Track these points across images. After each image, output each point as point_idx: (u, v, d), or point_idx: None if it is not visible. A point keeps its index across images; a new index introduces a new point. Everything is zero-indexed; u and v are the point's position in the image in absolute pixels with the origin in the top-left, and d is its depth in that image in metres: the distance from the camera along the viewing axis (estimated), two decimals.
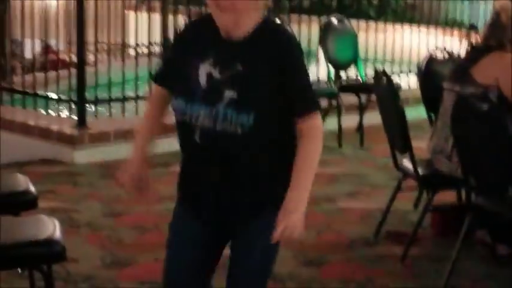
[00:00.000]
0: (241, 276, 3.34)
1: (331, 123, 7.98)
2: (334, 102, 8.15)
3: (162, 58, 3.23)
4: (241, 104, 2.99)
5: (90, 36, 7.50)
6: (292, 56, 3.20)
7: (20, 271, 4.29)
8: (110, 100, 7.62)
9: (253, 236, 3.22)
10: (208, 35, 3.14)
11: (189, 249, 3.37)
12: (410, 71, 9.02)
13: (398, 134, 5.34)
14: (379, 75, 5.63)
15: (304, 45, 8.35)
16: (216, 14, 3.03)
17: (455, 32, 10.30)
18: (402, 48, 9.62)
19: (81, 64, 7.23)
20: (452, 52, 6.12)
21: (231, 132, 3.01)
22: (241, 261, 3.31)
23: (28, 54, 10.12)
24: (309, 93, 3.21)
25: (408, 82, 8.96)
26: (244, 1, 3.03)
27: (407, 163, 5.31)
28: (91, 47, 7.85)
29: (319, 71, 8.78)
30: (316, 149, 3.10)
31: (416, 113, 6.24)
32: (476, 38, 5.42)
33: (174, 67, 3.27)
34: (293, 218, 3.01)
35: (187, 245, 3.38)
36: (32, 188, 4.42)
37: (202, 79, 3.08)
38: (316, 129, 3.10)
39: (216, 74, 3.05)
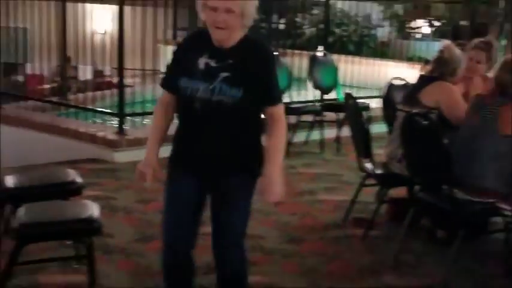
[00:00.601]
0: (227, 217, 3.45)
1: (316, 134, 8.13)
2: (318, 118, 8.08)
3: (167, 68, 3.29)
4: (233, 80, 3.26)
5: (128, 64, 7.58)
6: (267, 61, 3.45)
7: (67, 243, 4.42)
8: (143, 114, 7.69)
9: (231, 185, 3.39)
10: (204, 42, 3.34)
11: (183, 200, 3.49)
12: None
13: (361, 143, 5.43)
14: (348, 97, 5.73)
15: (296, 73, 8.54)
16: (213, 30, 3.24)
17: (416, 65, 10.35)
18: (374, 77, 9.61)
19: (121, 85, 7.33)
20: (406, 80, 6.16)
21: (225, 102, 3.25)
22: (222, 204, 3.43)
23: (81, 77, 10.09)
24: (276, 90, 3.48)
25: (377, 104, 9.01)
26: (233, 24, 3.21)
27: (369, 165, 5.39)
28: (129, 73, 7.86)
29: (307, 93, 8.68)
30: (283, 133, 3.40)
31: (381, 127, 6.31)
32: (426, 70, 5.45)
33: (177, 67, 3.47)
34: (274, 188, 3.26)
35: (183, 196, 3.49)
36: (78, 179, 4.58)
37: (201, 66, 3.31)
38: (281, 115, 3.40)
39: (212, 63, 3.32)
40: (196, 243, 3.50)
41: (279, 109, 3.38)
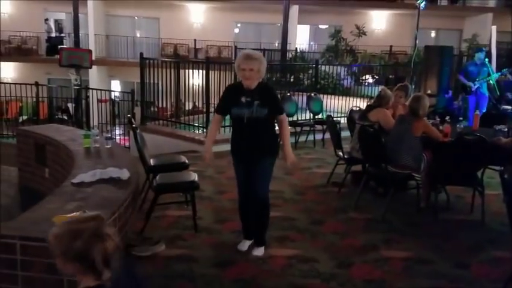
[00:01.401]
0: (257, 176, 3.48)
1: (310, 137, 7.99)
2: (312, 128, 7.99)
3: (219, 101, 3.46)
4: (262, 106, 3.36)
5: (211, 100, 7.61)
6: (273, 93, 3.58)
7: (181, 194, 4.45)
8: None
9: (261, 161, 3.45)
10: (240, 88, 3.42)
11: (242, 172, 3.57)
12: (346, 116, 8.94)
13: (336, 142, 5.43)
14: (329, 117, 5.75)
15: (299, 105, 8.48)
16: (243, 80, 3.37)
17: (365, 100, 10.21)
18: (342, 106, 9.56)
19: (207, 112, 7.37)
20: (359, 107, 6.14)
21: (259, 117, 3.36)
22: (258, 170, 3.46)
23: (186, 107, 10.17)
24: (281, 106, 3.58)
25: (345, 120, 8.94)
26: (255, 78, 3.35)
27: (340, 153, 5.35)
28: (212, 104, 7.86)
29: (306, 115, 8.57)
30: (288, 128, 3.52)
31: (346, 133, 6.28)
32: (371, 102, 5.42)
33: (226, 101, 3.52)
34: (291, 157, 3.45)
35: (240, 170, 3.58)
36: (186, 160, 4.66)
37: (243, 101, 3.38)
38: (285, 120, 3.50)
39: (248, 99, 3.39)
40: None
41: (284, 116, 3.51)
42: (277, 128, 3.55)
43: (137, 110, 8.60)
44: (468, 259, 3.64)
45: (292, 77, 12.10)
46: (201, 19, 19.23)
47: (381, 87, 5.52)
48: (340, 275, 3.30)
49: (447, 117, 4.97)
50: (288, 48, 17.24)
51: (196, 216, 4.09)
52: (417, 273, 3.39)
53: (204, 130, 7.41)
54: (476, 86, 8.65)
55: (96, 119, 9.08)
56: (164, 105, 8.36)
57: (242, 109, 3.37)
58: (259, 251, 3.62)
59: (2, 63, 18.02)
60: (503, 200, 2.94)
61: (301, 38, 19.99)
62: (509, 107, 8.79)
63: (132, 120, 4.51)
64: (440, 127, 4.94)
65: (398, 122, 4.70)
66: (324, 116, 8.08)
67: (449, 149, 4.41)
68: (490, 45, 10.45)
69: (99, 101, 9.54)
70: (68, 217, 2.86)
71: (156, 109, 9.11)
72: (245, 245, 3.69)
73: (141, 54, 8.24)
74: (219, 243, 3.79)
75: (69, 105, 14.45)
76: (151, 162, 4.44)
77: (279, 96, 4.26)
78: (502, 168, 4.30)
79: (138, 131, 4.03)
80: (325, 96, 9.81)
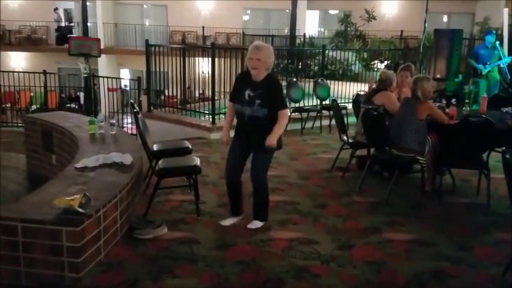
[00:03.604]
0: (256, 163, 3.60)
1: (317, 123, 7.97)
2: (318, 114, 7.98)
3: (232, 90, 3.54)
4: (262, 106, 3.47)
5: (217, 88, 7.61)
6: (278, 87, 3.63)
7: (185, 178, 4.46)
8: (224, 113, 7.69)
9: (260, 151, 3.56)
10: (247, 78, 3.55)
11: (236, 158, 3.69)
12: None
13: (340, 126, 5.40)
14: (334, 101, 5.71)
15: (307, 91, 8.44)
16: (251, 69, 3.48)
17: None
18: (350, 91, 9.48)
19: (213, 99, 7.38)
20: (366, 92, 6.10)
21: (258, 116, 3.48)
22: (256, 159, 3.60)
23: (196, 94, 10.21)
24: (283, 103, 3.63)
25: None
26: (261, 68, 3.45)
27: (345, 138, 5.34)
28: (217, 93, 7.86)
29: (313, 101, 8.52)
30: (284, 121, 3.53)
31: (353, 118, 6.25)
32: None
33: (236, 92, 3.66)
34: (271, 139, 3.45)
35: (235, 156, 3.69)
36: (189, 146, 4.69)
37: (246, 97, 3.52)
38: (285, 115, 3.54)
39: (251, 94, 3.52)
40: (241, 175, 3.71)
41: (285, 112, 3.55)
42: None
43: (144, 98, 8.63)
44: (472, 241, 3.63)
45: (300, 63, 12.04)
46: (209, 6, 19.14)
47: (380, 70, 5.50)
48: (341, 257, 3.31)
49: (453, 100, 4.91)
50: (297, 34, 17.14)
51: (199, 201, 4.13)
52: (419, 255, 3.38)
53: (210, 117, 7.46)
54: (487, 70, 8.53)
55: (107, 107, 9.14)
56: (172, 93, 8.38)
57: (244, 107, 3.52)
58: (253, 224, 3.77)
59: (13, 53, 18.22)
60: (506, 180, 2.90)
61: (311, 23, 19.83)
62: None
63: (135, 105, 4.53)
64: (447, 110, 4.89)
65: (403, 105, 4.65)
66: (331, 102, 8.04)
67: (455, 131, 4.36)
68: (502, 28, 10.25)
69: (109, 89, 9.59)
70: (69, 200, 2.92)
71: (164, 97, 9.15)
72: (228, 221, 3.85)
73: (147, 40, 8.25)
74: (221, 226, 3.81)
75: (80, 94, 14.59)
76: (155, 147, 4.46)
77: (284, 84, 4.31)
78: (504, 148, 4.24)
79: (139, 116, 4.05)
80: (333, 82, 9.78)
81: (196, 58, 8.45)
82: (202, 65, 7.85)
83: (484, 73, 8.59)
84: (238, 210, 3.88)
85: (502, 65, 8.65)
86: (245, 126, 3.60)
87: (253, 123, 3.53)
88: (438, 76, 8.99)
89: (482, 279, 3.07)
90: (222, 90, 8.24)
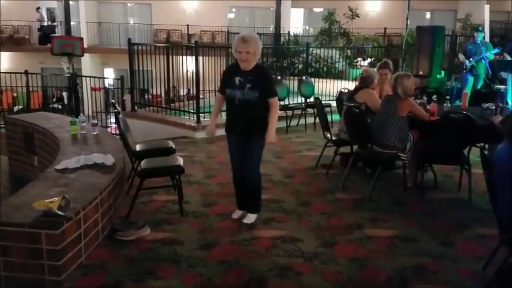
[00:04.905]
0: (248, 156, 3.64)
1: (302, 121, 8.00)
2: (303, 112, 8.01)
3: (220, 82, 3.57)
4: (253, 89, 3.50)
5: (201, 87, 7.55)
6: (268, 76, 3.70)
7: (169, 179, 4.37)
8: (208, 112, 7.68)
9: (252, 140, 3.58)
10: (237, 69, 3.58)
11: (235, 149, 3.72)
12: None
13: (324, 124, 5.40)
14: (317, 99, 5.71)
15: (291, 89, 8.45)
16: (240, 62, 3.52)
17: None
18: (334, 89, 9.48)
19: (198, 98, 7.34)
20: (349, 89, 6.10)
21: (249, 99, 3.51)
22: (249, 150, 3.62)
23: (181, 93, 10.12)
24: (273, 90, 3.64)
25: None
26: (251, 60, 3.49)
27: (328, 135, 5.32)
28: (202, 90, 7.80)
29: (297, 99, 8.52)
30: (277, 111, 3.58)
31: (337, 116, 6.25)
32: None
33: (224, 82, 3.67)
34: (270, 136, 3.52)
35: (234, 148, 3.73)
36: (173, 145, 4.65)
37: (237, 82, 3.54)
38: (276, 102, 3.57)
39: (241, 80, 3.54)
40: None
41: (275, 99, 3.58)
42: None
43: (127, 97, 8.55)
44: (453, 237, 3.65)
45: (285, 61, 12.04)
46: (194, 4, 19.04)
47: (362, 68, 5.53)
48: (324, 254, 3.31)
49: (434, 97, 4.94)
50: (282, 32, 17.14)
51: (182, 201, 4.10)
52: (401, 251, 3.39)
53: (196, 116, 7.38)
54: (470, 64, 8.67)
55: (90, 107, 9.04)
56: (157, 92, 8.32)
57: (234, 90, 3.52)
58: (249, 219, 3.83)
59: None
60: (484, 176, 2.93)
61: (295, 21, 19.85)
62: (502, 87, 8.75)
63: (116, 105, 4.48)
64: (428, 106, 4.91)
65: (384, 102, 4.66)
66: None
67: (435, 127, 4.39)
68: (483, 24, 10.37)
69: (93, 89, 9.48)
70: (48, 202, 2.87)
71: (150, 96, 9.08)
72: (237, 214, 3.94)
73: (129, 39, 8.17)
74: (204, 226, 3.79)
75: (64, 94, 14.37)
76: (138, 147, 4.42)
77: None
78: (482, 144, 4.29)
79: (120, 116, 4.00)
80: (318, 79, 9.79)
81: (181, 57, 8.39)
82: (187, 64, 7.80)
83: (468, 67, 8.73)
84: (245, 204, 3.94)
85: (483, 61, 8.76)
86: (237, 111, 3.58)
87: (244, 107, 3.52)
88: (421, 73, 9.07)
89: (463, 274, 3.09)
90: (207, 89, 8.21)
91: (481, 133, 4.41)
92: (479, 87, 8.64)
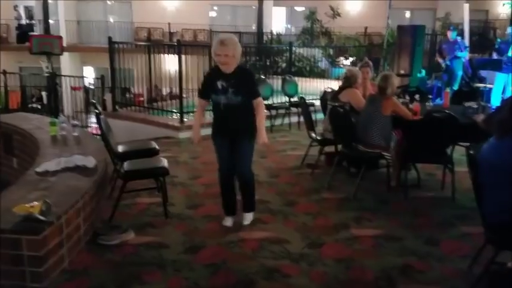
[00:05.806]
0: (240, 157, 3.61)
1: (286, 120, 8.01)
2: (287, 111, 8.02)
3: (201, 86, 3.53)
4: (236, 93, 3.47)
5: (184, 86, 7.51)
6: (250, 77, 3.63)
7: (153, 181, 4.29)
8: (192, 112, 7.62)
9: (242, 142, 3.56)
10: (218, 72, 3.52)
11: (225, 150, 3.65)
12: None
13: (308, 123, 5.39)
14: (301, 99, 5.70)
15: (275, 88, 8.42)
16: (220, 65, 3.47)
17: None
18: (317, 87, 9.49)
19: (181, 97, 7.28)
20: (332, 89, 6.11)
21: (234, 103, 3.47)
22: (239, 152, 3.60)
23: (164, 92, 10.04)
24: (256, 91, 3.60)
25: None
26: (231, 62, 3.43)
27: (313, 135, 5.32)
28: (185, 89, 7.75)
29: (281, 98, 8.49)
30: (263, 111, 3.57)
31: (321, 115, 6.25)
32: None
33: (206, 87, 3.62)
34: (262, 137, 3.50)
35: (223, 149, 3.65)
36: (156, 146, 4.58)
37: (219, 87, 3.49)
38: (260, 102, 3.56)
39: (224, 84, 3.50)
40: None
41: (259, 100, 3.55)
42: None
43: (108, 97, 8.42)
44: (438, 235, 3.66)
45: (268, 60, 12.01)
46: (175, 2, 18.87)
47: (346, 68, 5.56)
48: (310, 255, 3.29)
49: (416, 96, 4.98)
50: (264, 31, 17.11)
51: (167, 203, 4.04)
52: (387, 250, 3.39)
53: (179, 115, 7.32)
54: (444, 63, 8.80)
55: (70, 107, 8.89)
56: (140, 91, 8.22)
57: (218, 96, 3.49)
58: (247, 219, 3.81)
59: None
60: (470, 176, 2.94)
61: (278, 20, 19.83)
62: (481, 85, 8.88)
63: (97, 105, 4.38)
64: (410, 106, 4.94)
65: (368, 101, 4.68)
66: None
67: (418, 126, 4.40)
68: (463, 23, 10.51)
69: (72, 88, 9.32)
70: (29, 207, 2.78)
71: (132, 95, 8.97)
72: (229, 220, 3.81)
73: (110, 38, 8.04)
74: (190, 228, 3.73)
75: (43, 93, 14.12)
76: (120, 149, 4.32)
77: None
78: (469, 144, 4.31)
79: (101, 116, 3.91)
80: (301, 79, 9.81)
81: (162, 55, 8.30)
82: (170, 63, 7.72)
83: (443, 66, 8.85)
84: (234, 209, 3.84)
85: (463, 59, 8.89)
86: (222, 115, 3.56)
87: (230, 111, 3.50)
88: (402, 72, 9.14)
89: (449, 273, 3.10)
90: (190, 87, 8.15)
91: (464, 132, 4.45)
92: (456, 86, 8.73)
